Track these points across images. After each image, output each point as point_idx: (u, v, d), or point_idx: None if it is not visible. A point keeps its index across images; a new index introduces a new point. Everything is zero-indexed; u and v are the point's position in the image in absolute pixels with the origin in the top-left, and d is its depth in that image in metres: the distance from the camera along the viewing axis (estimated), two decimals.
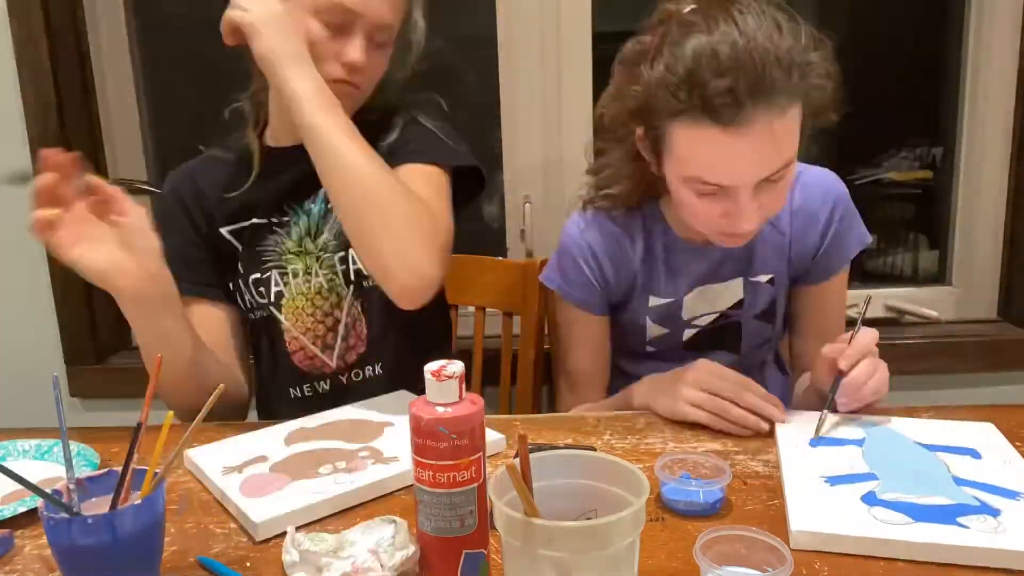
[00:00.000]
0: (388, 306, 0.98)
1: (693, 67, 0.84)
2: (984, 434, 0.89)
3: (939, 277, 1.72)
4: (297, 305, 1.10)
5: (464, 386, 0.61)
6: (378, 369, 1.12)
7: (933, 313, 1.65)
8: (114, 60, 1.65)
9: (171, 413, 0.67)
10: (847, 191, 1.09)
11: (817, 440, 0.88)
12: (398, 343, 1.12)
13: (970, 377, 1.59)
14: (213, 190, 1.13)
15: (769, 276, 1.10)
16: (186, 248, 1.12)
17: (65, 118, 1.56)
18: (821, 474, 0.80)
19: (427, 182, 1.02)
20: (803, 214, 1.08)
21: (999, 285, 1.65)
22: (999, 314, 1.66)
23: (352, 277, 1.09)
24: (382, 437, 0.91)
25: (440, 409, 0.60)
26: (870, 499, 0.74)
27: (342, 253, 1.09)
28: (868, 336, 0.93)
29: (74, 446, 0.91)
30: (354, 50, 0.99)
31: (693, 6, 0.89)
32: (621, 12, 1.64)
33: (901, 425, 0.92)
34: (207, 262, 1.13)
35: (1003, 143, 1.59)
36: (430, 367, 0.61)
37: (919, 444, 0.87)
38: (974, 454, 0.84)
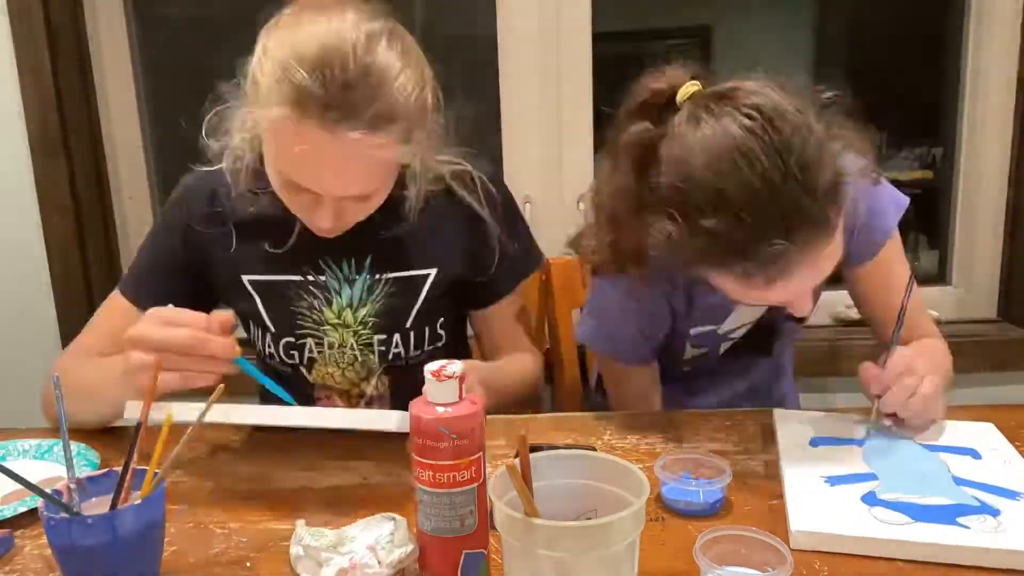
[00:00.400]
0: (417, 387, 0.95)
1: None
2: (984, 434, 0.89)
3: (939, 277, 1.72)
4: (328, 372, 1.05)
5: (464, 386, 0.61)
6: None
7: (933, 313, 1.64)
8: (114, 60, 1.65)
9: (171, 413, 0.67)
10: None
11: (817, 439, 0.88)
12: None
13: (970, 377, 1.58)
14: (242, 223, 1.01)
15: None
16: (165, 271, 1.03)
17: (65, 118, 1.56)
18: (821, 474, 0.80)
19: (524, 298, 1.15)
20: None
21: (999, 285, 1.65)
22: (999, 314, 1.66)
23: (389, 358, 1.05)
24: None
25: (440, 409, 0.60)
26: (870, 499, 0.74)
27: (384, 336, 1.03)
28: (901, 359, 0.87)
29: (74, 446, 0.90)
30: (321, 219, 0.89)
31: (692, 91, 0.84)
32: (621, 12, 1.64)
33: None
34: (194, 293, 1.01)
35: (1003, 143, 1.59)
36: (430, 367, 0.61)
37: (920, 444, 0.87)
38: (974, 454, 0.84)
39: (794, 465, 0.82)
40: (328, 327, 1.02)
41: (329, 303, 1.02)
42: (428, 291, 1.03)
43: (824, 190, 0.77)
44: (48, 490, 0.61)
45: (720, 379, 1.19)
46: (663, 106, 0.85)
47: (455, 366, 0.61)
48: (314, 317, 1.02)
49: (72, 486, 0.64)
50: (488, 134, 1.63)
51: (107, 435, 0.96)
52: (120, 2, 1.63)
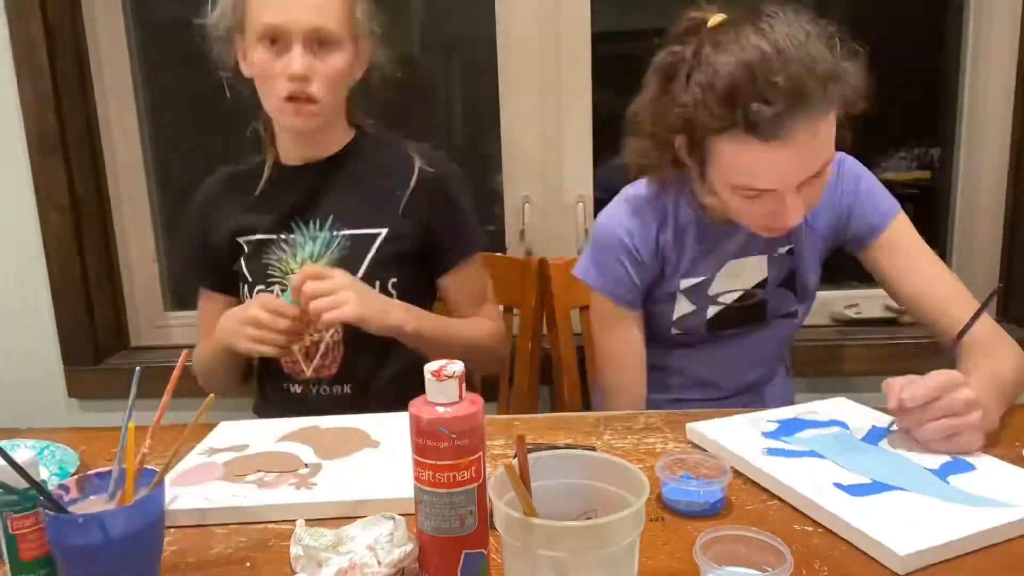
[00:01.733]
0: (367, 341, 1.10)
1: (730, 88, 0.87)
2: (850, 407, 0.96)
3: None
4: None
5: (464, 386, 0.61)
6: (346, 389, 1.19)
7: None
8: (112, 59, 1.64)
9: (132, 423, 0.67)
10: (858, 163, 1.13)
11: (772, 450, 0.85)
12: (371, 371, 1.19)
13: None
14: (233, 200, 1.23)
15: (788, 247, 1.13)
16: (204, 249, 1.24)
17: (63, 117, 1.56)
18: (832, 482, 0.77)
19: (484, 268, 1.27)
20: None
21: (999, 286, 1.65)
22: (999, 315, 1.65)
23: None
24: (348, 457, 0.89)
25: (440, 409, 0.60)
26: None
27: None
28: (933, 381, 0.83)
29: (58, 449, 0.92)
30: (293, 62, 1.06)
31: (722, 18, 0.94)
32: (620, 12, 1.64)
33: (782, 414, 0.95)
34: (219, 261, 1.22)
35: (1002, 143, 1.59)
36: (430, 367, 0.60)
37: (862, 441, 0.87)
38: (886, 430, 0.88)
39: (792, 476, 0.78)
40: (291, 275, 1.14)
41: (295, 256, 1.18)
42: (378, 248, 1.16)
43: (833, 73, 0.87)
44: (51, 487, 0.61)
45: (704, 357, 1.18)
46: (694, 33, 0.95)
47: (455, 366, 0.60)
48: (281, 267, 1.18)
49: (68, 484, 0.63)
50: (487, 134, 1.63)
51: (105, 435, 0.97)
52: (118, 1, 1.63)
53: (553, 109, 1.60)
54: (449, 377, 0.60)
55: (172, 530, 0.74)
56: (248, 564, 0.68)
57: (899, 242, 1.09)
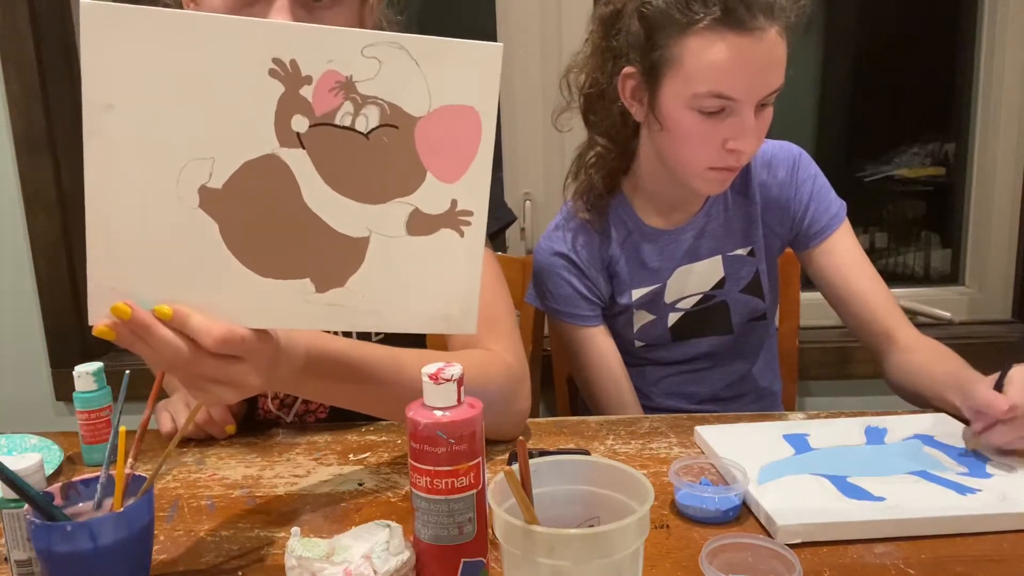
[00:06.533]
0: None
1: None
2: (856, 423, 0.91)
3: (952, 277, 1.69)
4: None
5: (463, 389, 0.60)
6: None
7: (946, 314, 1.62)
8: None
9: (123, 428, 0.65)
10: (807, 154, 1.14)
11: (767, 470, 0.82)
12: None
13: None
14: None
15: (748, 248, 1.12)
16: None
17: (51, 111, 1.53)
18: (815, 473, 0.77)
19: (498, 283, 0.94)
20: (767, 175, 1.12)
21: (1014, 285, 1.63)
22: (1014, 315, 1.63)
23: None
24: None
25: (438, 413, 0.58)
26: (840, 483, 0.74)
27: None
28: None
29: (38, 439, 0.92)
30: (273, 16, 0.79)
31: None
32: None
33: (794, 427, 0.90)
34: None
35: (1017, 138, 1.57)
36: (427, 370, 0.59)
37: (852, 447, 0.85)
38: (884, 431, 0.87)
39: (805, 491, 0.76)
40: None
41: None
42: None
43: None
44: (41, 492, 0.60)
45: (676, 370, 1.16)
46: None
47: (454, 369, 0.59)
48: None
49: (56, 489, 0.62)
50: None
51: None
52: None
53: (554, 105, 1.58)
54: (448, 380, 0.59)
55: (161, 538, 0.72)
56: (240, 574, 0.67)
57: (845, 245, 1.10)
